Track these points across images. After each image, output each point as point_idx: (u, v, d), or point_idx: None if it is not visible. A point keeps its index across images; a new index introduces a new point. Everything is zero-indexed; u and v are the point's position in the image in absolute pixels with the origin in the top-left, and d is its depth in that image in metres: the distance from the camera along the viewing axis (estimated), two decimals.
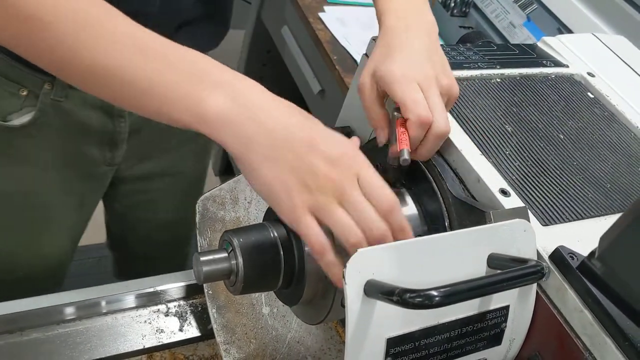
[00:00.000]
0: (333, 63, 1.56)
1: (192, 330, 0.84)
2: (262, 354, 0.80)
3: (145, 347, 0.80)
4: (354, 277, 0.49)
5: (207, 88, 0.53)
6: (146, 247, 1.21)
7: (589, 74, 0.87)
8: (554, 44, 0.92)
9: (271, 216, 0.68)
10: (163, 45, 0.56)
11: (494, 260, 0.55)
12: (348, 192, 0.53)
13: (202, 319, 0.85)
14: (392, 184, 0.67)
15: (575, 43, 0.93)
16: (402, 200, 0.67)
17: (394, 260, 0.51)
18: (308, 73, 1.78)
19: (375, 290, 0.49)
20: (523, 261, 0.53)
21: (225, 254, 0.62)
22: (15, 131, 0.86)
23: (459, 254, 0.54)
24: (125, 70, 0.54)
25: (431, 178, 0.65)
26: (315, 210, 0.53)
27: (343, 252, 0.55)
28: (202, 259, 0.61)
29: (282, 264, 0.63)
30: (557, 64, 0.88)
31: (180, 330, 0.83)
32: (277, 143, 0.53)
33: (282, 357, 0.80)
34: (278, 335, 0.82)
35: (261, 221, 0.69)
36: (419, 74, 0.65)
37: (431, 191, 0.65)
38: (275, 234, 0.63)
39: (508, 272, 0.50)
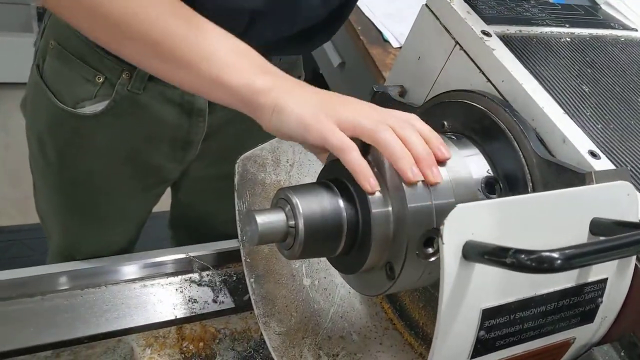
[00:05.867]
0: (357, 34, 1.49)
1: (226, 301, 0.77)
2: (304, 329, 0.73)
3: (177, 317, 0.73)
4: (452, 237, 0.43)
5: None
6: (205, 233, 1.14)
7: None
8: (618, 6, 0.86)
9: (327, 175, 0.61)
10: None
11: (598, 226, 0.48)
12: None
13: (238, 289, 0.78)
14: None
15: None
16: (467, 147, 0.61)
17: (493, 219, 0.44)
18: (327, 45, 1.71)
19: (477, 253, 0.42)
20: (634, 226, 0.47)
21: (283, 214, 0.55)
22: (85, 120, 0.81)
23: (559, 217, 0.48)
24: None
25: (512, 136, 0.59)
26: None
27: None
28: (258, 217, 0.54)
29: (345, 227, 0.56)
30: (625, 27, 0.82)
31: (215, 301, 0.76)
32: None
33: (325, 332, 0.74)
34: (320, 309, 0.75)
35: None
36: None
37: (510, 150, 0.59)
38: (338, 194, 0.57)
39: (631, 235, 0.44)
